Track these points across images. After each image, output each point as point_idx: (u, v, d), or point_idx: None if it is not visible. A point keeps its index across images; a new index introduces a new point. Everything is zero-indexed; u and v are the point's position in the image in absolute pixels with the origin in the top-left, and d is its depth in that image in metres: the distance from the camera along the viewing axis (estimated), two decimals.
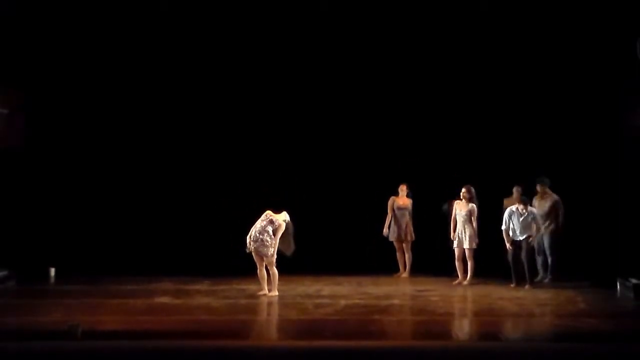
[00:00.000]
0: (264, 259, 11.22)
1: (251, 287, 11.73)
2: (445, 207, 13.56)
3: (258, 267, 11.31)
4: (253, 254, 11.26)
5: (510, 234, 12.55)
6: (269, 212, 11.32)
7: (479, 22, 13.74)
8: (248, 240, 11.22)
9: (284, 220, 11.30)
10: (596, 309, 10.64)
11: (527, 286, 12.33)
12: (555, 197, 13.10)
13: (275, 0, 13.79)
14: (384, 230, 13.71)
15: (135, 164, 14.33)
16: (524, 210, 12.42)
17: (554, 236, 13.02)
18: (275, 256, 11.24)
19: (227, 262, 12.81)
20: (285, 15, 13.86)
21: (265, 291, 11.32)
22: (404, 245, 13.79)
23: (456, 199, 13.03)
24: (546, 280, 13.06)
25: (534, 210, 12.62)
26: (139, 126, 14.35)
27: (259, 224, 11.24)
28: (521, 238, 12.47)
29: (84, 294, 11.58)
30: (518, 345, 8.47)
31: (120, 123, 14.34)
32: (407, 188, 13.76)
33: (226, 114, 14.42)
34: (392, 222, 13.74)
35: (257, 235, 11.19)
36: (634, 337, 8.58)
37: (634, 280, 11.70)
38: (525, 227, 12.44)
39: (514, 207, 12.56)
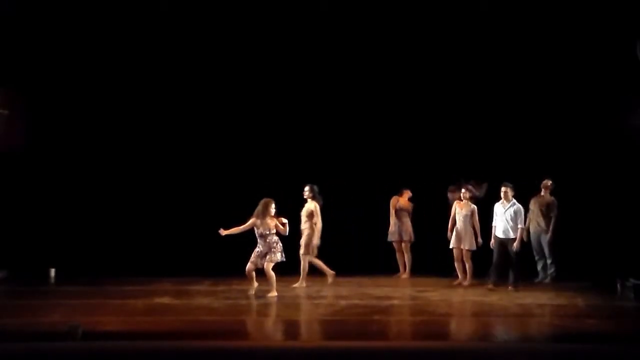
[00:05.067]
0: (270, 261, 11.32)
1: None
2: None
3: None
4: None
5: (493, 230, 12.43)
6: (257, 226, 11.30)
7: (479, 22, 13.75)
8: (255, 258, 11.30)
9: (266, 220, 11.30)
10: (596, 309, 10.65)
11: (510, 288, 12.06)
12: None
13: (275, 0, 13.81)
14: (390, 228, 13.67)
15: (135, 165, 14.35)
16: (506, 204, 12.25)
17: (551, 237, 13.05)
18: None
19: (227, 262, 12.80)
20: (286, 15, 13.87)
21: (254, 285, 11.41)
22: (403, 245, 13.80)
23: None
24: (546, 281, 13.07)
25: (519, 206, 12.25)
26: (139, 128, 14.38)
27: (261, 245, 11.28)
28: (502, 237, 12.24)
29: (84, 294, 11.57)
30: (518, 346, 8.46)
31: (121, 125, 14.37)
32: (410, 192, 13.82)
33: (226, 116, 14.44)
34: (392, 222, 13.76)
35: (264, 252, 11.28)
36: (634, 337, 8.59)
37: (634, 280, 11.71)
38: (509, 223, 12.15)
39: (498, 202, 12.43)
